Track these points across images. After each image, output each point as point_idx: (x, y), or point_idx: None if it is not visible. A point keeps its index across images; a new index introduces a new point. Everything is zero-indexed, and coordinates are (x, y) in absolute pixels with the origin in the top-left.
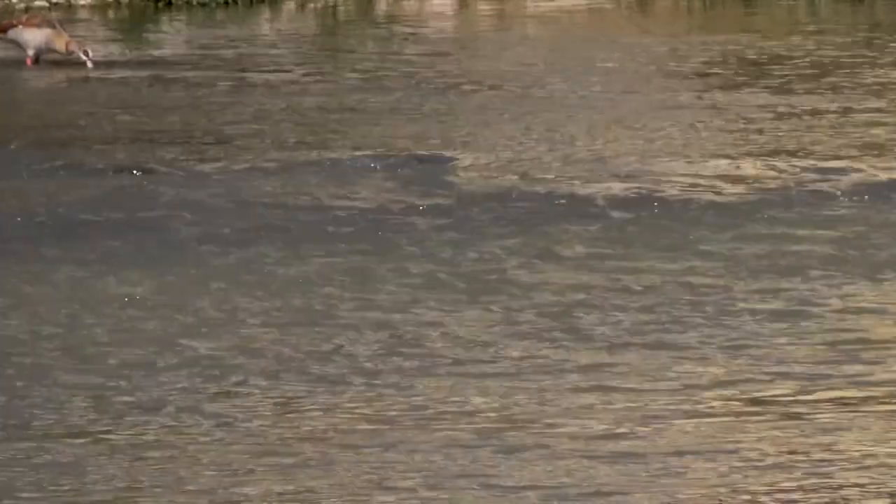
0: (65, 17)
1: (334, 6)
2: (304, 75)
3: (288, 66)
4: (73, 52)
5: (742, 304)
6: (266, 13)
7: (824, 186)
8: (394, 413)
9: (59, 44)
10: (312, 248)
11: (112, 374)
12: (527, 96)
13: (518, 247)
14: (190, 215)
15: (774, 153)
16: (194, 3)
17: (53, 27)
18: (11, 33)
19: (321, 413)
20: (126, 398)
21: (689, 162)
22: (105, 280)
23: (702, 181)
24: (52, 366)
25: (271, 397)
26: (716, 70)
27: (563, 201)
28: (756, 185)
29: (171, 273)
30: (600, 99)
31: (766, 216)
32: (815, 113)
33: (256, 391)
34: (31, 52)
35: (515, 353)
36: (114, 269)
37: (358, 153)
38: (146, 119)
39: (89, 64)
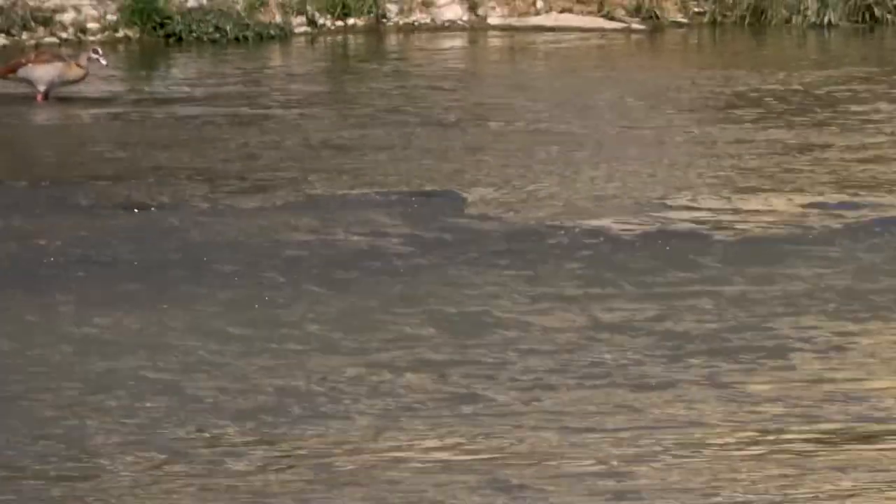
0: (75, 53)
1: (344, 41)
2: (312, 111)
3: (296, 101)
4: (86, 67)
5: (742, 342)
6: (276, 49)
7: (832, 222)
8: (396, 455)
9: (73, 72)
10: (312, 285)
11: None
12: (534, 131)
13: (520, 283)
14: (193, 251)
15: (783, 188)
16: (205, 39)
17: (63, 60)
18: (21, 72)
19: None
20: (114, 438)
21: (695, 198)
22: (109, 317)
23: (708, 216)
24: (35, 404)
25: (259, 435)
26: (723, 104)
27: (566, 237)
28: (763, 220)
29: (174, 309)
30: (607, 133)
31: (772, 252)
32: (824, 147)
33: (246, 430)
34: (42, 89)
35: (513, 394)
36: (121, 307)
37: (363, 189)
38: (155, 155)
39: (103, 61)
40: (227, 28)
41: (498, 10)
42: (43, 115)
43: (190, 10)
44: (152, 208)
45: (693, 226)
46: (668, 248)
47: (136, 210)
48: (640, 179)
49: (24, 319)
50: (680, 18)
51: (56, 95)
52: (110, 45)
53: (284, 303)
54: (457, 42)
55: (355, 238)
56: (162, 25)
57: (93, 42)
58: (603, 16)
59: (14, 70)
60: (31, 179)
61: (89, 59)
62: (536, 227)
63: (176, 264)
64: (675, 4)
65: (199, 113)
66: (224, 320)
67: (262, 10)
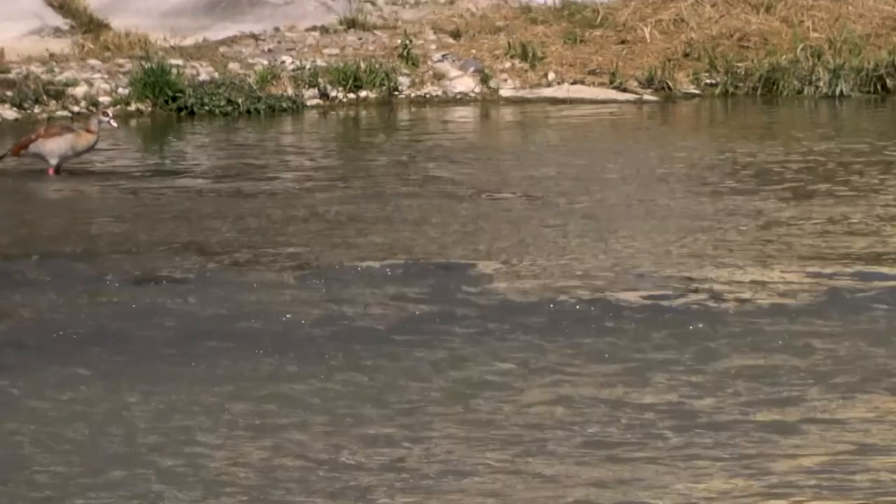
0: (85, 120)
1: (356, 114)
2: (322, 183)
3: (306, 174)
4: (96, 132)
5: (757, 417)
6: (288, 122)
7: (848, 294)
8: None
9: (83, 141)
10: (328, 359)
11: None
12: (546, 204)
13: (535, 358)
14: (201, 325)
15: (799, 259)
16: (216, 112)
17: (73, 131)
18: (32, 147)
19: None
20: None
21: (709, 269)
22: (117, 395)
23: (724, 288)
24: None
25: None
26: (731, 175)
27: (582, 310)
28: (781, 291)
29: (181, 384)
30: (620, 205)
31: (792, 324)
32: (839, 219)
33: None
34: (53, 162)
35: (524, 468)
36: (130, 383)
37: (372, 261)
38: (161, 228)
39: (113, 123)
40: (239, 101)
41: (509, 81)
42: (53, 188)
43: (202, 84)
44: (163, 282)
45: (703, 297)
46: (679, 320)
47: (144, 283)
48: (649, 251)
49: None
50: (692, 90)
51: (67, 168)
52: (122, 118)
53: (294, 377)
54: (468, 114)
55: (365, 310)
56: (174, 99)
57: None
58: (615, 87)
59: (25, 147)
60: (38, 252)
61: (99, 122)
62: (549, 299)
63: (179, 339)
64: (688, 76)
65: (208, 186)
66: (226, 396)
67: (274, 82)
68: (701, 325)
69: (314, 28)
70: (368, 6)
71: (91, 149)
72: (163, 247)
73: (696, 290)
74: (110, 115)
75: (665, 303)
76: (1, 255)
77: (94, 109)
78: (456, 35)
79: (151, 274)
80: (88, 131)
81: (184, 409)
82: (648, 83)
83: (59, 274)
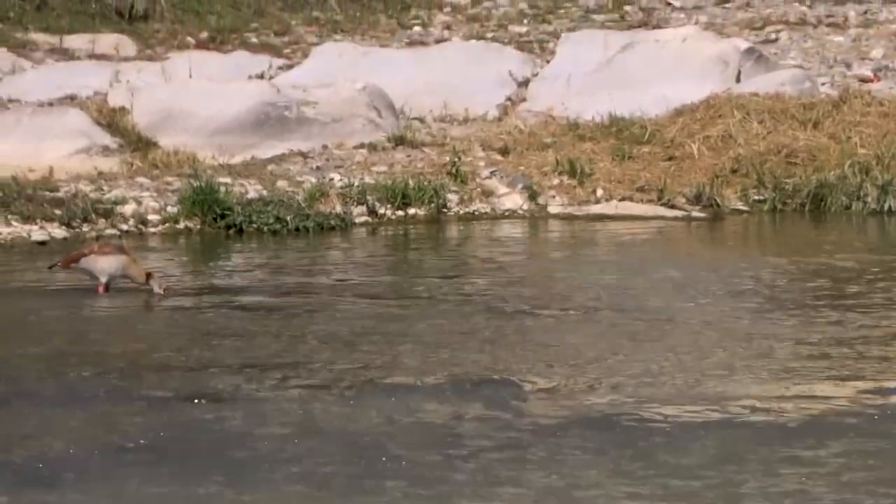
0: (136, 244)
1: (405, 231)
2: (371, 300)
3: (354, 292)
4: (148, 284)
5: None
6: (336, 239)
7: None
8: None
9: (135, 271)
10: (390, 479)
11: None
12: (596, 319)
13: (589, 477)
14: (253, 443)
15: (834, 374)
16: (265, 229)
17: (127, 254)
18: (84, 262)
19: None
20: None
21: (748, 385)
22: None
23: (771, 405)
24: None
25: None
26: (785, 289)
27: (631, 425)
28: (829, 407)
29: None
30: (671, 319)
31: (841, 440)
32: (889, 335)
33: None
34: (103, 280)
35: None
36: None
37: (424, 379)
38: (212, 346)
39: (160, 291)
40: (288, 218)
41: (558, 198)
42: (103, 305)
43: (250, 202)
44: (203, 400)
45: (750, 413)
46: (727, 437)
47: (196, 400)
48: (702, 365)
49: None
50: (740, 206)
51: (115, 287)
52: (171, 236)
53: (340, 493)
54: (516, 231)
55: (412, 427)
56: (223, 216)
57: (154, 234)
58: (663, 204)
59: (77, 261)
60: (88, 371)
61: (159, 286)
62: (601, 416)
63: (234, 459)
64: (736, 193)
65: (256, 303)
66: None
67: (323, 200)
68: (754, 442)
69: (362, 145)
70: (416, 123)
71: (137, 283)
72: (215, 366)
73: (744, 407)
74: (165, 288)
75: (715, 417)
76: (52, 371)
77: (142, 228)
78: (504, 152)
79: (205, 391)
80: (148, 275)
81: None
82: (696, 200)
83: (114, 389)
